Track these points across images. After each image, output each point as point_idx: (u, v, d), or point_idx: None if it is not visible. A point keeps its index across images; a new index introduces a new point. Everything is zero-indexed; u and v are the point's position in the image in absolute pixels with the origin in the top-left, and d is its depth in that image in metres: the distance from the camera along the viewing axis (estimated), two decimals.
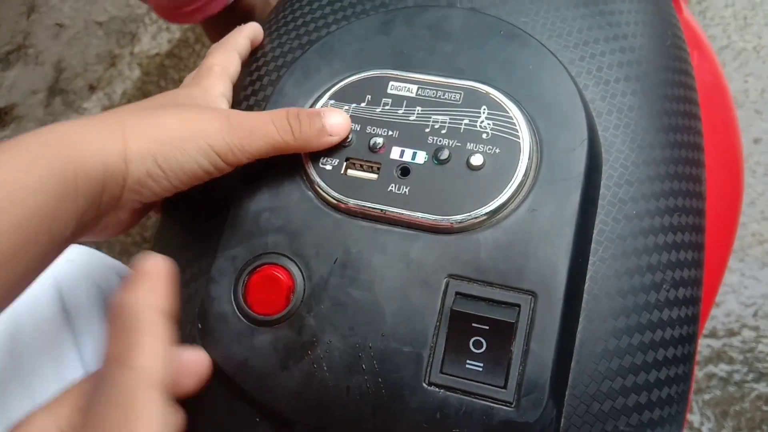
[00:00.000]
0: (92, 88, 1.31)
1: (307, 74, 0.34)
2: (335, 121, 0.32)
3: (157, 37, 1.41)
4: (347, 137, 0.32)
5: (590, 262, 0.30)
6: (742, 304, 0.86)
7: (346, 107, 0.33)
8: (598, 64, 0.34)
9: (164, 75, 1.39)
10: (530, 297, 0.28)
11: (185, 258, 0.37)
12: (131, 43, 1.36)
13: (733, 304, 0.86)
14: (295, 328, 0.30)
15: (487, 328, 0.28)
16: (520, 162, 0.30)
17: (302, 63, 0.35)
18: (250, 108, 0.37)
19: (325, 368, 0.29)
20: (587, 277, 0.30)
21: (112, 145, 0.28)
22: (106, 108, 1.33)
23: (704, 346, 0.85)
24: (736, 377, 0.83)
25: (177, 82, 1.37)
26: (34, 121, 1.18)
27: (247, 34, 0.39)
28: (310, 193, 0.32)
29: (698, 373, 0.84)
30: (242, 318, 0.31)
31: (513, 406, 0.27)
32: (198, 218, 0.36)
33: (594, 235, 0.31)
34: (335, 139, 0.32)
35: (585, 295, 0.30)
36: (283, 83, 0.34)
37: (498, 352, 0.28)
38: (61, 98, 1.23)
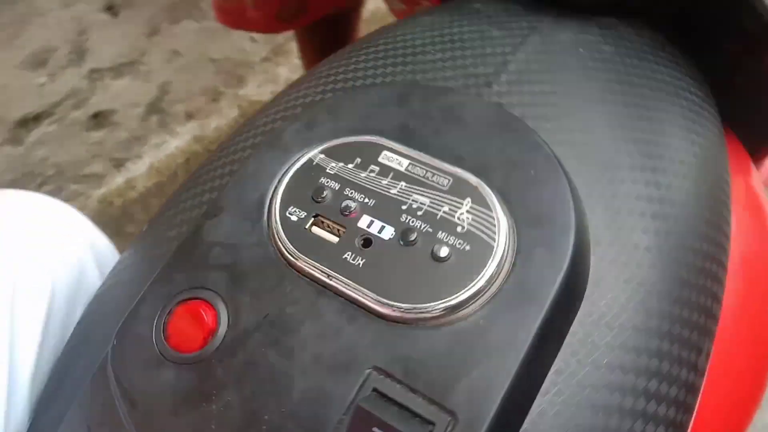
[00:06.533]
0: (189, 116, 1.39)
1: (311, 125, 0.33)
2: None
3: (263, 86, 1.49)
4: (322, 193, 0.31)
5: (536, 402, 0.26)
6: None
7: (333, 164, 0.31)
8: (613, 190, 0.31)
9: None
10: (449, 419, 0.24)
11: (143, 274, 0.35)
12: (237, 85, 1.44)
13: None
14: (200, 374, 0.28)
15: None
16: (487, 266, 0.27)
17: (308, 112, 0.34)
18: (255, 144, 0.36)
19: (214, 428, 0.26)
20: (527, 418, 0.26)
21: None
22: (197, 137, 1.41)
23: None
24: None
25: None
26: (127, 131, 1.26)
27: None
28: (267, 239, 0.30)
29: None
30: (155, 345, 0.29)
31: None
32: (164, 240, 0.35)
33: (550, 373, 0.27)
34: None
35: None
36: (285, 126, 0.34)
37: None
38: (158, 117, 1.31)
